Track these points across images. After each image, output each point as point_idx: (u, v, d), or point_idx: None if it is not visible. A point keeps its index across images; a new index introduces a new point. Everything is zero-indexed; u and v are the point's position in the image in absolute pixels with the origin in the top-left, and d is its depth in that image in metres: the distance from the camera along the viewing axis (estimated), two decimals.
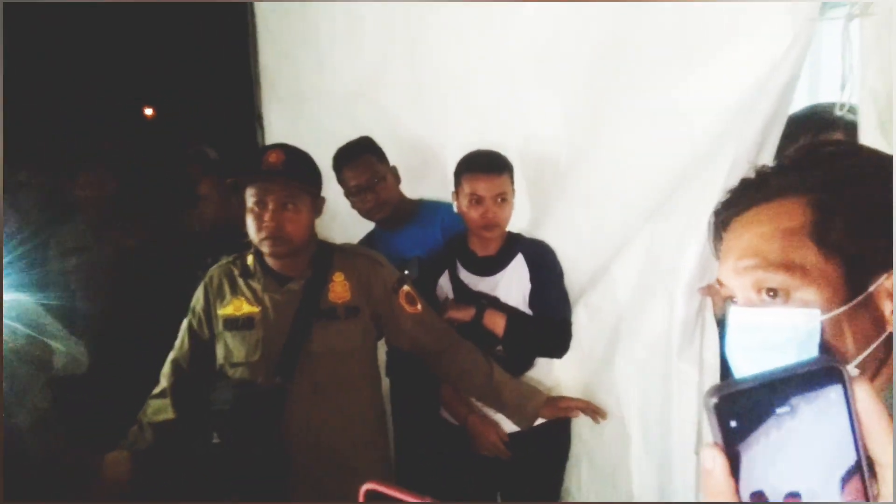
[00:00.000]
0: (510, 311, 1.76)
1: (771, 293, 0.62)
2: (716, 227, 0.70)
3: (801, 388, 0.36)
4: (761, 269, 0.62)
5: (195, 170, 2.84)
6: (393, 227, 2.00)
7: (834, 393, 0.36)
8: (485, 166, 1.70)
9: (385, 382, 2.08)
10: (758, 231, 0.63)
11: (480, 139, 1.81)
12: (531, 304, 1.77)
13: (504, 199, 1.70)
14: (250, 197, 1.51)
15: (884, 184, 0.59)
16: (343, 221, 2.25)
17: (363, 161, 1.91)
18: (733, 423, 0.35)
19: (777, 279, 0.61)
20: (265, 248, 1.52)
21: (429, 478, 1.97)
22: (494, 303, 1.78)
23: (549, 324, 1.75)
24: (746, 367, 0.66)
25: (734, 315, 0.65)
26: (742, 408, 0.35)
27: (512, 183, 1.73)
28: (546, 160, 1.80)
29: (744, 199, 0.66)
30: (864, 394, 0.37)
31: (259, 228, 1.49)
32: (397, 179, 2.00)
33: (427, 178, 2.09)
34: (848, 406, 0.36)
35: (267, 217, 1.47)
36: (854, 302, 0.59)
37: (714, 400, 0.36)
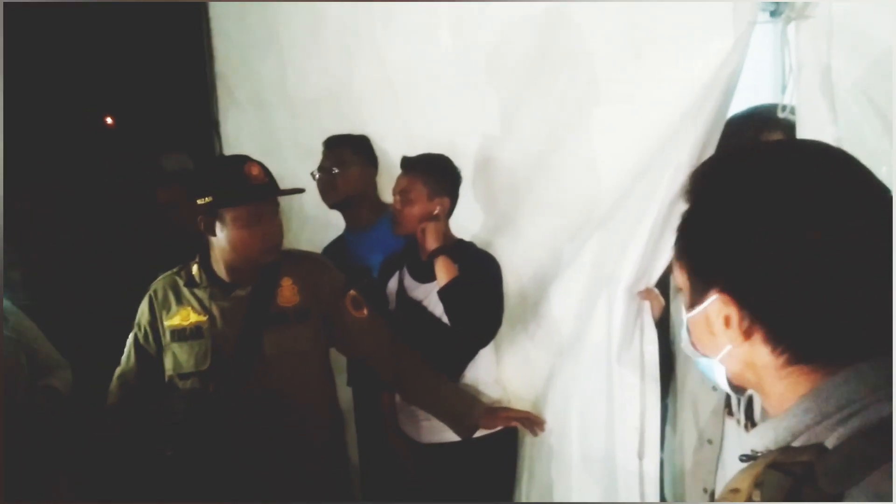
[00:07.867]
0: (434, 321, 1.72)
1: (679, 290, 0.67)
2: None
3: None
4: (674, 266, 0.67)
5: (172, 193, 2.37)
6: (361, 229, 2.02)
7: None
8: (401, 165, 1.77)
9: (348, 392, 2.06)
10: None
11: (447, 143, 1.79)
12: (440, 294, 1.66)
13: (406, 199, 1.71)
14: (240, 213, 1.48)
15: (742, 202, 0.55)
16: (313, 226, 2.23)
17: (336, 147, 1.98)
18: None
19: (677, 278, 0.65)
20: (264, 258, 1.53)
21: (392, 486, 1.96)
22: (421, 311, 1.74)
23: (487, 304, 1.66)
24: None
25: None
26: None
27: (425, 185, 1.70)
28: (502, 166, 1.78)
29: None
30: None
31: (260, 242, 1.50)
32: (369, 179, 2.02)
33: (393, 182, 2.07)
34: None
35: (270, 230, 1.52)
36: (693, 314, 0.61)
37: None
